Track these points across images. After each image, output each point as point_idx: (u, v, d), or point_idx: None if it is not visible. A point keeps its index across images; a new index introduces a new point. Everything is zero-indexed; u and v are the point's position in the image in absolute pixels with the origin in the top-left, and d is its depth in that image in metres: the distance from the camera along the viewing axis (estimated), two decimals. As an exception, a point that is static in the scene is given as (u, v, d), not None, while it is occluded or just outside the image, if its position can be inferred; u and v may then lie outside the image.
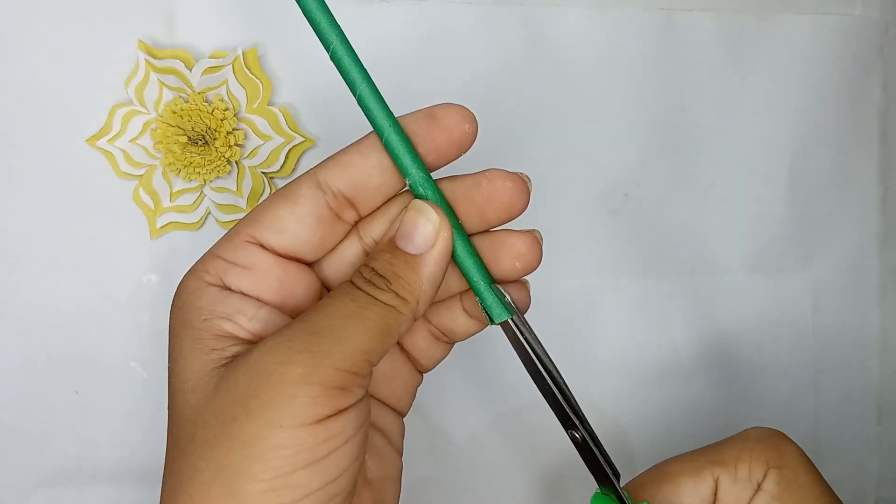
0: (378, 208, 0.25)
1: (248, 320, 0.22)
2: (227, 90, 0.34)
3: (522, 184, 0.24)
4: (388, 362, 0.26)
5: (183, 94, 0.34)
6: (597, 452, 0.25)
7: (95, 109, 0.34)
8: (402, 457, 0.27)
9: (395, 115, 0.23)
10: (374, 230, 0.25)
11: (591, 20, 0.37)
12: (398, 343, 0.27)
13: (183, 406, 0.22)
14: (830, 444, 0.41)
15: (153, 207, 0.34)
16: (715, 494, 0.28)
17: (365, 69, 0.23)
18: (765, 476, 0.27)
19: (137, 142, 0.34)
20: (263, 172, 0.34)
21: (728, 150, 0.39)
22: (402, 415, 0.27)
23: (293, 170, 0.35)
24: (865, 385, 0.41)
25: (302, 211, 0.23)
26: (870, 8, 0.39)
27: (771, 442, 0.28)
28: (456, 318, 0.26)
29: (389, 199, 0.24)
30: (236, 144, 0.34)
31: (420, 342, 0.26)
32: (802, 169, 0.39)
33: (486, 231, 0.24)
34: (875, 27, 0.40)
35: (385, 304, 0.22)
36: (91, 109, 0.34)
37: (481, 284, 0.24)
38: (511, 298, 0.24)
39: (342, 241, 0.25)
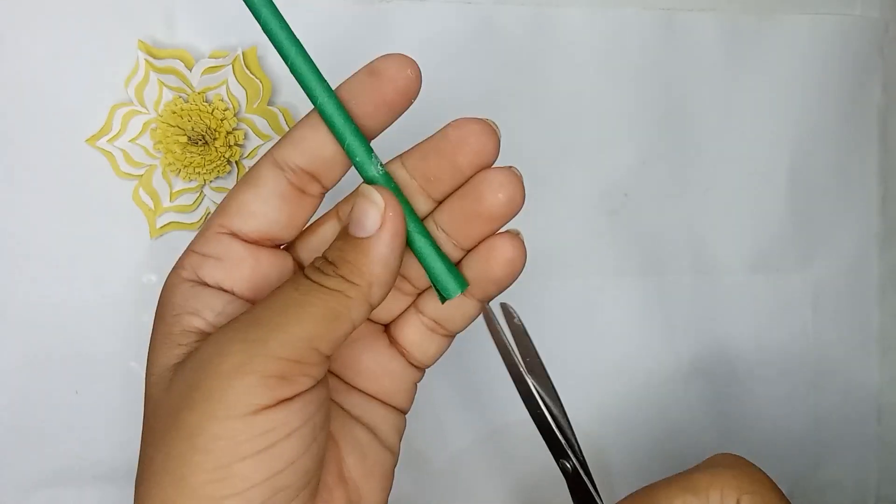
0: (355, 189, 0.24)
1: (215, 315, 0.23)
2: (227, 90, 0.34)
3: (489, 126, 0.23)
4: (372, 356, 0.26)
5: (183, 94, 0.34)
6: (587, 482, 0.25)
7: (95, 109, 0.34)
8: (396, 456, 0.26)
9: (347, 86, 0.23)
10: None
11: (591, 20, 0.37)
12: (388, 336, 0.26)
13: (148, 399, 0.22)
14: (830, 444, 0.41)
15: (153, 207, 0.34)
16: None
17: (297, 39, 0.23)
18: (737, 502, 0.27)
19: (137, 142, 0.34)
20: (263, 172, 0.34)
21: (728, 150, 0.39)
22: (400, 411, 0.27)
23: (293, 170, 0.35)
24: (865, 385, 0.41)
25: (265, 192, 0.23)
26: (870, 8, 0.39)
27: (741, 468, 0.28)
28: (448, 304, 0.25)
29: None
30: (236, 144, 0.34)
31: (412, 335, 0.26)
32: (802, 169, 0.39)
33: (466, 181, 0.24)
34: (875, 27, 0.40)
35: (330, 289, 0.21)
36: (91, 109, 0.34)
37: (428, 258, 0.23)
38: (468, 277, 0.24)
39: (323, 224, 0.25)
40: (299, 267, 0.25)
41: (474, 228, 0.24)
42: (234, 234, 0.23)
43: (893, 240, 0.40)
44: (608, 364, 0.38)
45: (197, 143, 0.33)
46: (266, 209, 0.23)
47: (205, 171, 0.34)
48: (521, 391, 0.24)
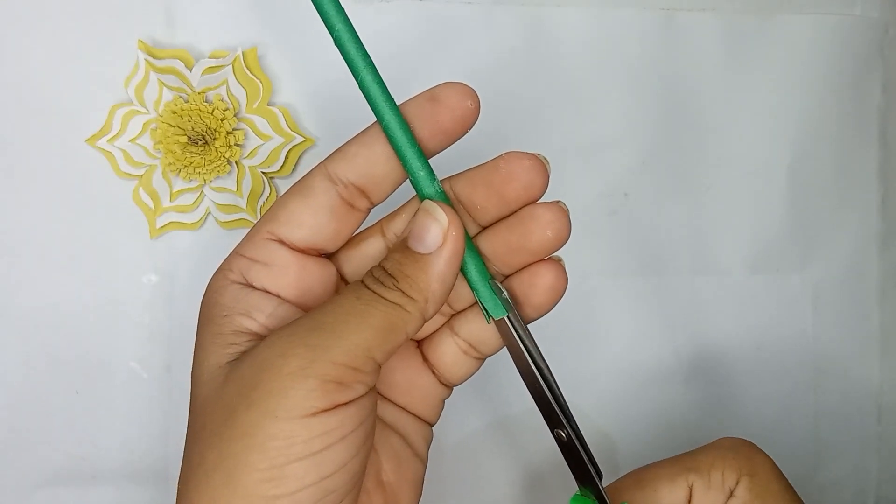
0: (401, 207, 0.25)
1: (265, 317, 0.23)
2: (227, 90, 0.34)
3: (540, 162, 0.24)
4: (405, 371, 0.26)
5: (183, 94, 0.34)
6: (582, 452, 0.25)
7: (95, 109, 0.34)
8: (426, 465, 0.27)
9: (398, 102, 0.24)
10: (397, 226, 0.25)
11: (591, 20, 0.37)
12: (421, 353, 0.27)
13: (197, 397, 0.22)
14: (830, 444, 0.40)
15: (153, 207, 0.34)
16: (689, 500, 0.28)
17: (368, 56, 0.24)
18: (737, 483, 0.28)
19: (137, 142, 0.34)
20: (263, 172, 0.34)
21: (728, 150, 0.39)
22: (428, 423, 0.27)
23: (293, 170, 0.35)
24: (865, 385, 0.41)
25: (315, 203, 0.24)
26: (870, 8, 0.39)
27: (743, 451, 0.29)
28: (484, 327, 0.26)
29: (413, 198, 0.25)
30: (236, 144, 0.34)
31: (445, 355, 0.26)
32: (802, 169, 0.39)
33: (512, 213, 0.25)
34: (875, 27, 0.40)
35: (390, 301, 0.22)
36: (91, 109, 0.34)
37: (478, 280, 0.24)
38: (507, 295, 0.24)
39: (367, 238, 0.25)
40: (340, 277, 0.26)
41: (518, 258, 0.25)
42: (281, 242, 0.24)
43: (893, 240, 0.40)
44: (608, 364, 0.38)
45: (197, 143, 0.33)
46: (315, 220, 0.24)
47: (205, 171, 0.34)
48: (519, 365, 0.25)
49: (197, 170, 0.34)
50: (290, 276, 0.24)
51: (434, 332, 0.27)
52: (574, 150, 0.37)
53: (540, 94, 0.37)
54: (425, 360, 0.27)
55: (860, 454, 0.41)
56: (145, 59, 0.33)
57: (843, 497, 0.41)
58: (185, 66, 0.33)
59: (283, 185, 0.35)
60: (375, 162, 0.24)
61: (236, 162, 0.34)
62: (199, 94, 0.33)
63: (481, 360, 0.27)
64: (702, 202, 0.39)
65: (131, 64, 0.33)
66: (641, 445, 0.39)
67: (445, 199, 0.24)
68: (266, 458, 0.20)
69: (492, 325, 0.25)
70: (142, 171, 0.34)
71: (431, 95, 0.23)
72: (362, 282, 0.23)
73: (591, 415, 0.38)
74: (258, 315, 0.23)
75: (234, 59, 0.33)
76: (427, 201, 0.23)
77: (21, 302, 0.34)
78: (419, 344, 0.27)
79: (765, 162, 0.39)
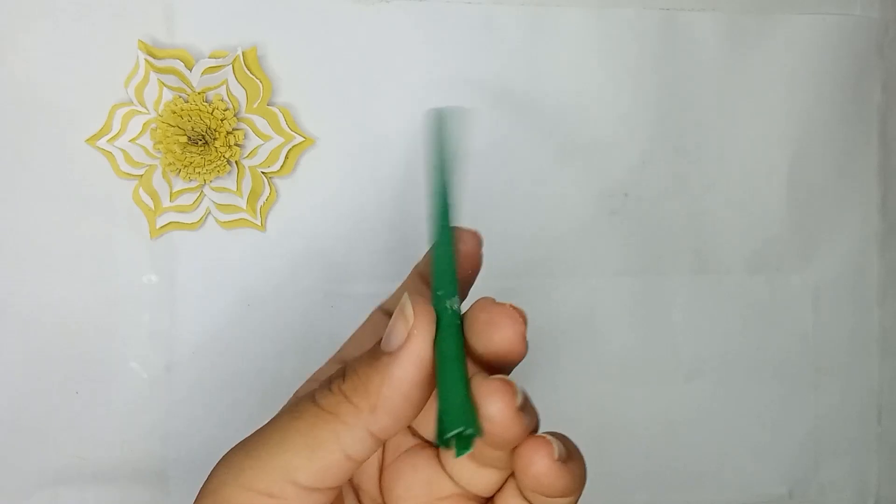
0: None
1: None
2: (227, 90, 0.34)
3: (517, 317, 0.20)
4: None
5: (183, 94, 0.34)
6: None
7: (95, 109, 0.34)
8: None
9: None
10: None
11: (591, 20, 0.37)
12: None
13: None
14: (830, 444, 0.40)
15: (153, 207, 0.34)
16: None
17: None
18: None
19: (137, 142, 0.34)
20: (263, 172, 0.34)
21: (728, 150, 0.39)
22: None
23: (293, 170, 0.35)
24: (865, 385, 0.41)
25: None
26: (870, 8, 0.39)
27: None
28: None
29: None
30: (236, 144, 0.34)
31: None
32: (802, 169, 0.39)
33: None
34: (875, 27, 0.40)
35: (323, 409, 0.19)
36: (91, 109, 0.34)
37: (448, 389, 0.19)
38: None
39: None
40: None
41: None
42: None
43: (893, 240, 0.40)
44: (608, 364, 0.38)
45: (197, 143, 0.33)
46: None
47: (205, 170, 0.34)
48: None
49: (197, 170, 0.34)
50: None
51: (500, 489, 0.21)
52: (574, 150, 0.37)
53: (540, 94, 0.37)
54: None
55: (860, 454, 0.41)
56: (145, 59, 0.33)
57: (843, 497, 0.41)
58: (185, 66, 0.33)
59: (283, 185, 0.35)
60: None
61: (236, 162, 0.34)
62: (199, 94, 0.33)
63: None
64: (702, 202, 0.39)
65: (131, 64, 0.33)
66: (641, 445, 0.39)
67: (454, 318, 0.20)
68: None
69: None
70: (142, 171, 0.34)
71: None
72: (316, 389, 0.20)
73: (591, 415, 0.38)
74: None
75: (234, 59, 0.33)
76: (405, 294, 0.20)
77: (21, 302, 0.34)
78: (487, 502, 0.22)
79: (765, 162, 0.39)
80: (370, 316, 0.24)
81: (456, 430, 0.18)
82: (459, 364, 0.19)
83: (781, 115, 0.39)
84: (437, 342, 0.19)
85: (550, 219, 0.37)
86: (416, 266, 0.24)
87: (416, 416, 0.19)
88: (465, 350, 0.20)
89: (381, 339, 0.19)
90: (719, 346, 0.39)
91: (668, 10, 0.38)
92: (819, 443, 0.40)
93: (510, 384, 0.18)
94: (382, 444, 0.20)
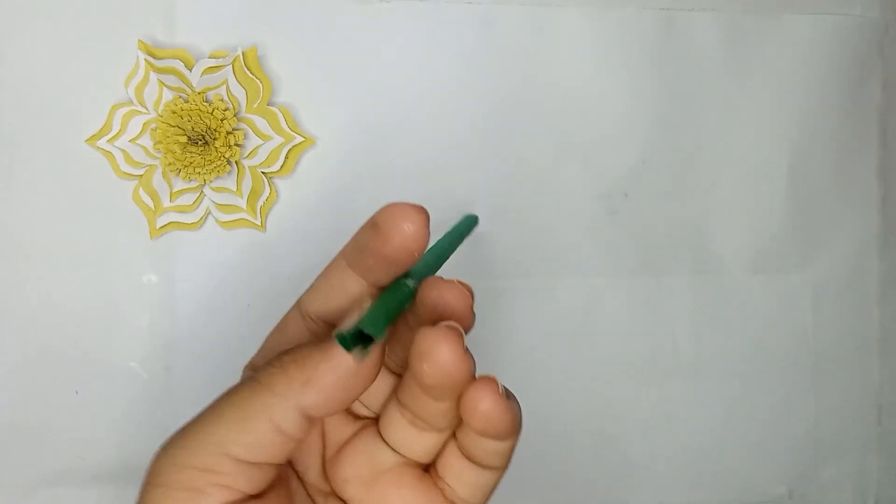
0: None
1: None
2: (227, 90, 0.34)
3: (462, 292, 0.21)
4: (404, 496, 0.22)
5: (183, 94, 0.34)
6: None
7: (95, 109, 0.34)
8: None
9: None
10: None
11: (591, 20, 0.37)
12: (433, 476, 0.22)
13: None
14: (830, 444, 0.40)
15: (153, 207, 0.34)
16: None
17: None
18: None
19: (137, 142, 0.34)
20: (263, 172, 0.34)
21: (728, 150, 0.39)
22: None
23: (293, 170, 0.35)
24: (865, 385, 0.41)
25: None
26: (870, 8, 0.39)
27: None
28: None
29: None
30: (236, 144, 0.34)
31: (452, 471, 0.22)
32: (802, 169, 0.39)
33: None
34: (875, 27, 0.40)
35: (257, 382, 0.19)
36: (91, 109, 0.34)
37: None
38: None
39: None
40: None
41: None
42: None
43: (893, 240, 0.40)
44: (608, 364, 0.38)
45: (197, 143, 0.33)
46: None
47: (205, 171, 0.34)
48: None
49: (197, 170, 0.34)
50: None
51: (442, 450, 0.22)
52: (574, 150, 0.37)
53: (540, 94, 0.37)
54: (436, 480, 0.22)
55: (860, 454, 0.41)
56: (145, 59, 0.33)
57: (843, 497, 0.41)
58: (185, 66, 0.33)
59: (283, 185, 0.35)
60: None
61: (236, 162, 0.34)
62: (199, 94, 0.33)
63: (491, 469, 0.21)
64: (702, 202, 0.39)
65: (131, 64, 0.33)
66: (642, 445, 0.39)
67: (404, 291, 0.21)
68: None
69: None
70: (142, 171, 0.34)
71: (373, 222, 0.20)
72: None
73: (590, 414, 0.38)
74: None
75: (234, 59, 0.33)
76: (362, 285, 0.21)
77: (21, 302, 0.34)
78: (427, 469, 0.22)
79: (765, 162, 0.39)
80: (286, 315, 0.23)
81: (361, 327, 0.19)
82: (396, 303, 0.20)
83: (781, 115, 0.39)
84: (382, 295, 0.20)
85: (550, 219, 0.37)
86: (343, 251, 0.23)
87: (350, 402, 0.19)
88: (415, 321, 0.21)
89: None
90: (719, 346, 0.39)
91: (668, 10, 0.38)
92: (818, 442, 0.40)
93: (457, 329, 0.19)
94: (315, 426, 0.20)
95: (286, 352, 0.20)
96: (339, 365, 0.19)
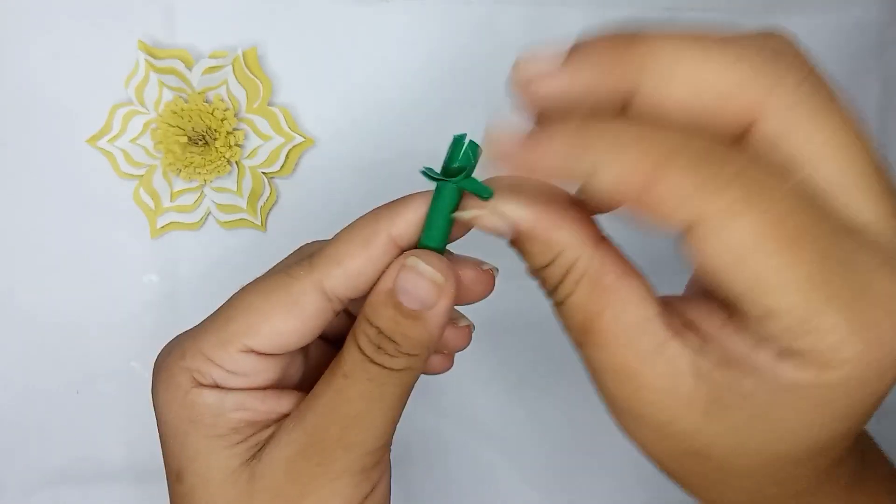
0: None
1: (260, 403, 0.22)
2: (227, 90, 0.34)
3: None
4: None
5: (183, 94, 0.34)
6: None
7: (95, 109, 0.34)
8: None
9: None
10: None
11: (591, 20, 0.37)
12: None
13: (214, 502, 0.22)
14: (830, 443, 0.41)
15: (154, 207, 0.34)
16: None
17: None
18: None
19: (138, 142, 0.34)
20: (264, 172, 0.34)
21: (728, 150, 0.39)
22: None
23: (293, 170, 0.35)
24: (865, 385, 0.41)
25: (310, 324, 0.22)
26: (870, 8, 0.39)
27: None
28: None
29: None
30: (236, 144, 0.34)
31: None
32: (802, 169, 0.39)
33: None
34: (875, 27, 0.40)
35: (399, 370, 0.21)
36: (91, 109, 0.34)
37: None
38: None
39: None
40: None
41: None
42: (258, 353, 0.22)
43: (893, 239, 0.40)
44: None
45: (197, 143, 0.33)
46: (303, 338, 0.22)
47: (205, 171, 0.34)
48: None
49: (197, 170, 0.34)
50: (270, 374, 0.23)
51: None
52: (574, 150, 0.37)
53: (540, 94, 0.37)
54: None
55: (859, 453, 0.41)
56: (145, 59, 0.33)
57: (842, 496, 0.41)
58: (185, 66, 0.33)
59: (283, 185, 0.35)
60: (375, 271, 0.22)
61: (236, 162, 0.34)
62: (199, 94, 0.33)
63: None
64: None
65: (131, 64, 0.33)
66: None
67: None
68: None
69: None
70: (142, 172, 0.34)
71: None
72: (362, 351, 0.21)
73: (590, 414, 0.38)
74: (253, 405, 0.22)
75: (234, 59, 0.33)
76: (414, 260, 0.21)
77: (21, 302, 0.34)
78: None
79: (764, 162, 0.39)
80: (304, 298, 0.22)
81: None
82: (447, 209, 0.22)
83: (781, 114, 0.39)
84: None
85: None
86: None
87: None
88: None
89: (399, 291, 0.21)
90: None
91: (668, 10, 0.38)
92: (818, 442, 0.40)
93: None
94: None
95: (386, 330, 0.21)
96: (440, 330, 0.22)
